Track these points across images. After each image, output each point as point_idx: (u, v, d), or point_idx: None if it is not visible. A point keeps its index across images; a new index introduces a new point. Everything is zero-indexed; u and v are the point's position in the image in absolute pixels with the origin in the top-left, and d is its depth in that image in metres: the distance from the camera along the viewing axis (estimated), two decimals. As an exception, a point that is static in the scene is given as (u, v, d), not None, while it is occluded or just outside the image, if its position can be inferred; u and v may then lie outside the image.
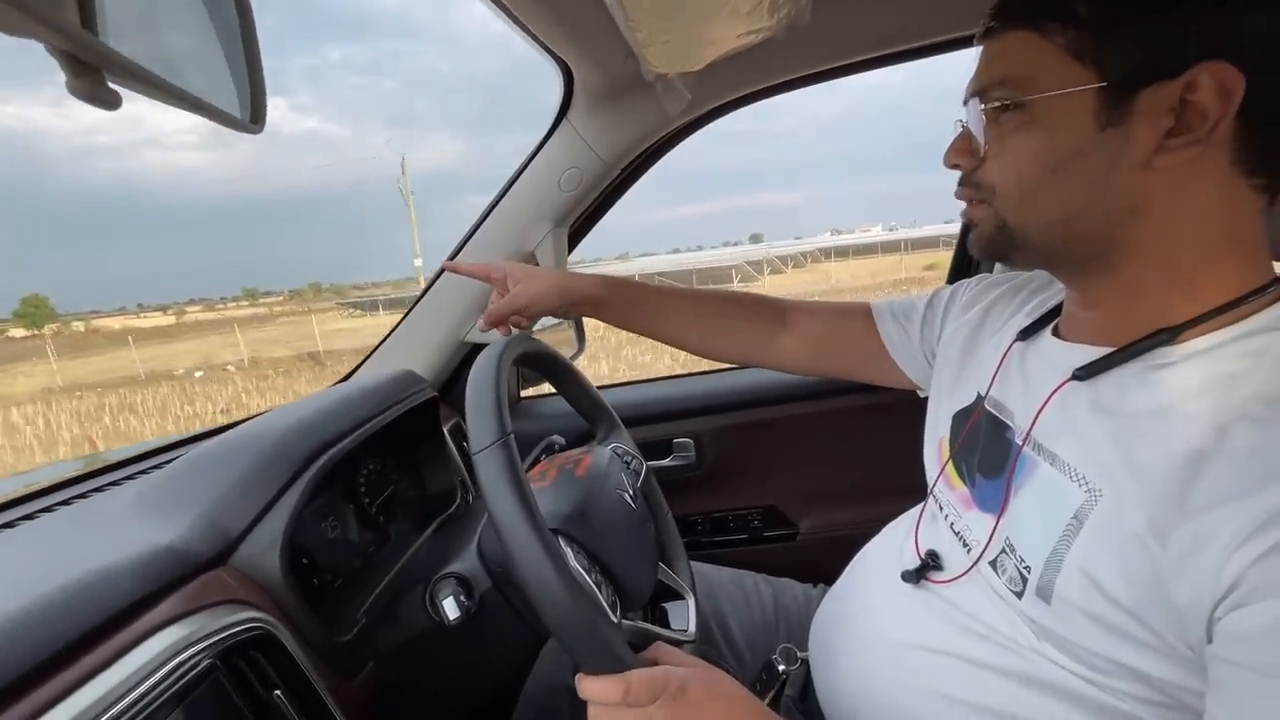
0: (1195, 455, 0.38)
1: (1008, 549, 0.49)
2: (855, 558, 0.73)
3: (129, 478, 0.79)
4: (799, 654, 0.83)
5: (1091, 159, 0.43)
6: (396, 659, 0.70)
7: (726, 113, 1.04)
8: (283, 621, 0.57)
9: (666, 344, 0.86)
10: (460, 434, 1.07)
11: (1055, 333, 0.53)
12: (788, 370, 0.85)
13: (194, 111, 0.30)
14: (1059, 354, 0.50)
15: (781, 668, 0.82)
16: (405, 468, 0.96)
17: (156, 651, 0.46)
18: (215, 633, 0.50)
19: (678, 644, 0.72)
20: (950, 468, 0.60)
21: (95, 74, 0.22)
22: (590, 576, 0.61)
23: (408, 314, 1.12)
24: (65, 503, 0.71)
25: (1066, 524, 0.43)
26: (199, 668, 0.47)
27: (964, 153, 0.50)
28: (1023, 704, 0.47)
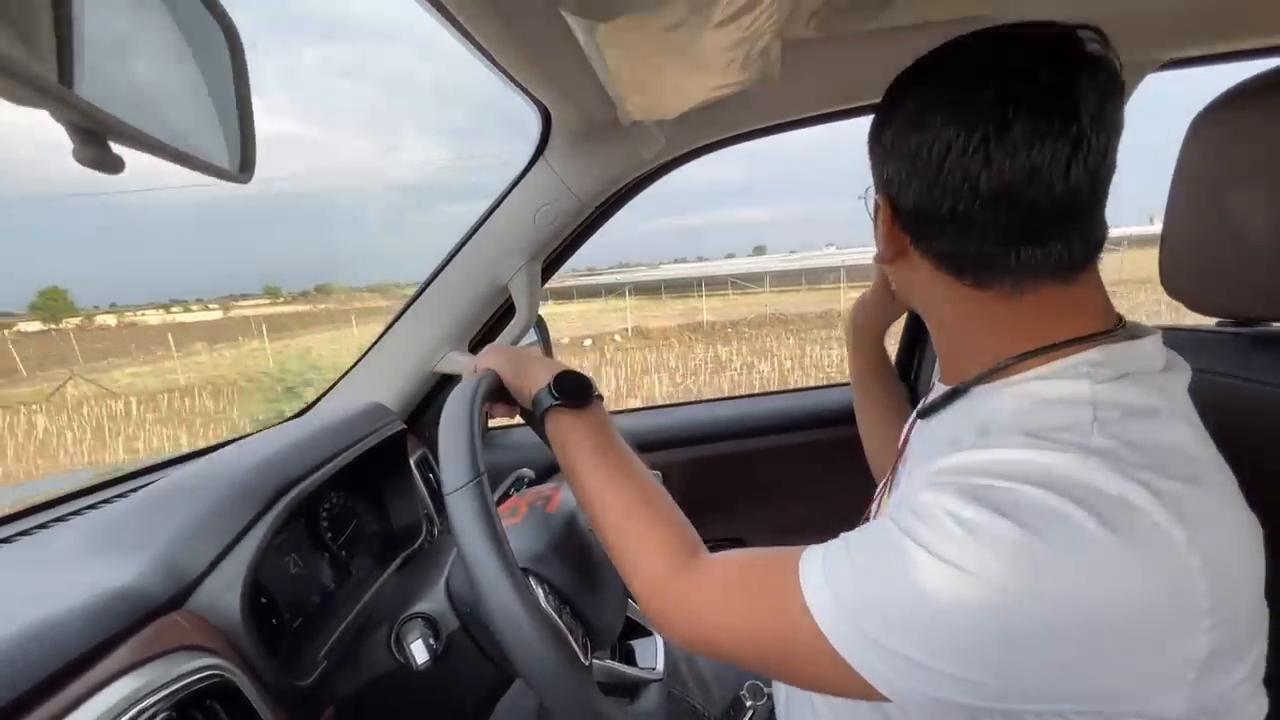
0: (935, 456, 0.47)
1: None
2: None
3: (77, 512, 0.75)
4: (765, 689, 0.83)
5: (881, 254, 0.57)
6: (358, 703, 0.68)
7: (700, 156, 1.07)
8: (241, 667, 0.55)
9: (864, 412, 0.91)
10: (427, 466, 1.06)
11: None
12: None
13: (187, 166, 0.31)
14: (933, 393, 0.60)
15: (749, 703, 0.82)
16: (370, 501, 0.94)
17: (112, 703, 0.44)
18: (171, 681, 0.48)
19: (646, 683, 0.72)
20: (885, 497, 0.67)
21: (100, 140, 0.22)
22: (561, 618, 0.61)
23: (376, 342, 1.11)
24: (8, 540, 0.67)
25: None
26: None
27: None
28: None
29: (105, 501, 0.78)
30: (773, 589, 0.46)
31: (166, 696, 0.47)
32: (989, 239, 0.47)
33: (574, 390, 0.62)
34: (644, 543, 0.55)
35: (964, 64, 0.46)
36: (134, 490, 0.70)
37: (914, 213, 0.50)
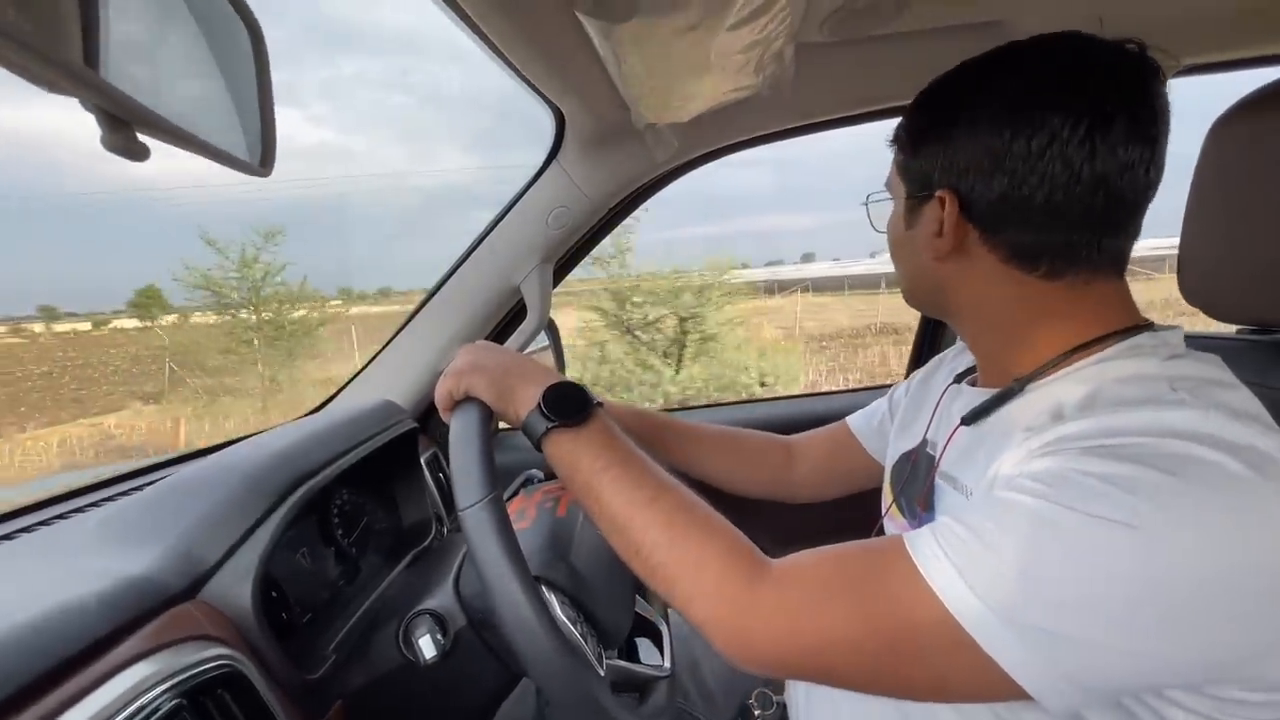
0: (1005, 453, 0.47)
1: None
2: None
3: (95, 504, 0.76)
4: (775, 697, 0.82)
5: (906, 249, 0.59)
6: (366, 697, 0.68)
7: (712, 160, 1.08)
8: (251, 658, 0.56)
9: (689, 474, 0.87)
10: (438, 466, 1.07)
11: (972, 382, 0.62)
12: (806, 501, 0.89)
13: (210, 157, 0.31)
14: (967, 398, 0.59)
15: (757, 712, 0.81)
16: (380, 499, 0.95)
17: (122, 690, 0.45)
18: (182, 670, 0.49)
19: (655, 680, 0.72)
20: (894, 504, 0.65)
21: (127, 129, 0.23)
22: (577, 629, 0.61)
23: (390, 341, 1.12)
24: (27, 529, 0.68)
25: None
26: (166, 708, 0.46)
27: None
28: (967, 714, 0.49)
29: (121, 494, 0.79)
30: (883, 581, 0.42)
31: (178, 684, 0.48)
32: (1078, 228, 0.49)
33: (569, 405, 0.54)
34: (702, 558, 0.47)
35: (1058, 61, 0.49)
36: (149, 484, 0.71)
37: (996, 203, 0.50)
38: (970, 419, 0.55)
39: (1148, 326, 0.51)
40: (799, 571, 0.46)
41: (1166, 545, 0.36)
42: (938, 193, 0.52)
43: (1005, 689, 0.38)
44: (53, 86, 0.21)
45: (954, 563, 0.40)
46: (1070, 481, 0.39)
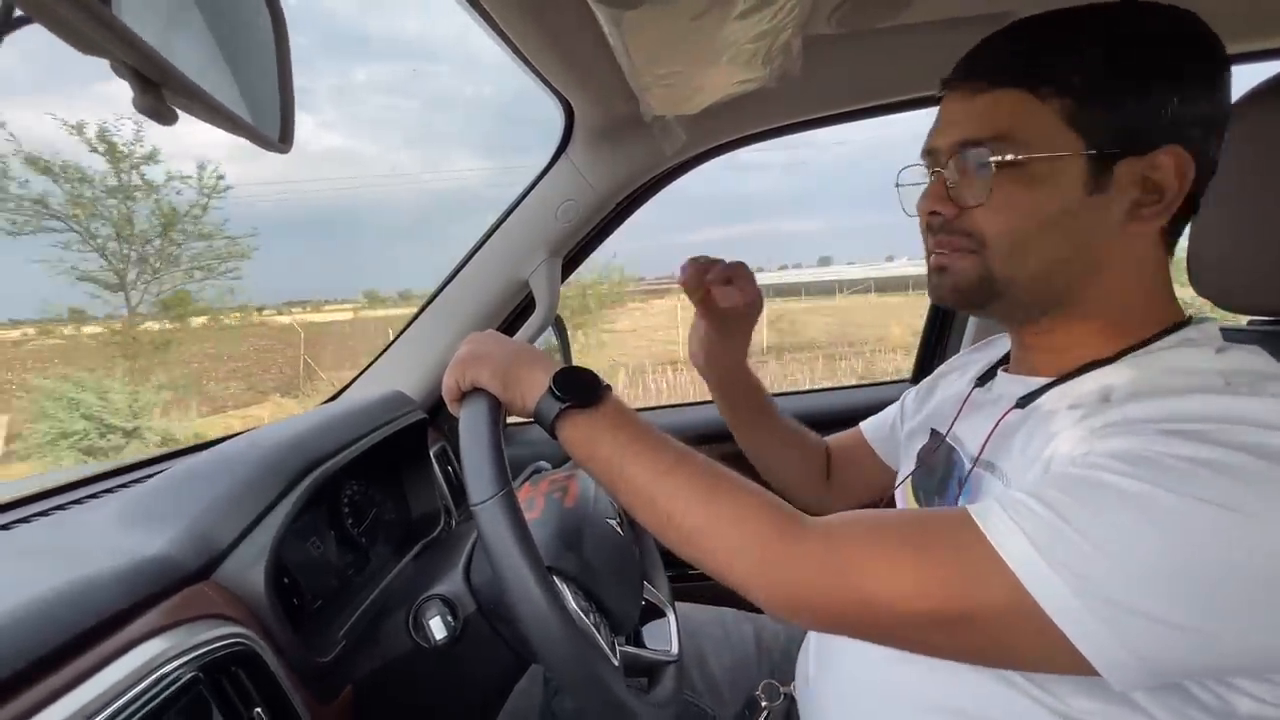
0: (1056, 435, 0.46)
1: None
2: None
3: (109, 490, 0.77)
4: (782, 689, 0.82)
5: (1078, 219, 0.49)
6: (376, 682, 0.69)
7: (720, 154, 1.08)
8: (264, 639, 0.56)
9: (742, 443, 0.85)
10: (446, 459, 1.07)
11: (1007, 371, 0.61)
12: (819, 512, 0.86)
13: (232, 130, 0.32)
14: (1008, 387, 0.58)
15: (764, 704, 0.81)
16: (389, 490, 0.95)
17: (139, 664, 0.45)
18: (197, 646, 0.49)
19: (663, 665, 0.72)
20: (909, 495, 0.65)
21: (156, 91, 0.24)
22: (589, 618, 0.61)
23: (402, 332, 1.13)
24: (44, 514, 0.69)
25: None
26: (181, 681, 0.46)
27: (944, 200, 0.53)
28: (1002, 702, 0.49)
29: (135, 481, 0.80)
30: (944, 544, 0.41)
31: (193, 660, 0.48)
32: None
33: (581, 386, 0.54)
34: (741, 513, 0.47)
35: (1198, 29, 0.48)
36: (159, 473, 0.72)
37: (1210, 165, 0.48)
38: (1025, 401, 0.53)
39: (1187, 321, 0.51)
40: (850, 526, 0.45)
41: (1260, 530, 0.36)
42: (1164, 149, 0.46)
43: (1067, 661, 0.38)
44: (85, 45, 0.21)
45: (1028, 535, 0.39)
46: (1159, 463, 0.38)
